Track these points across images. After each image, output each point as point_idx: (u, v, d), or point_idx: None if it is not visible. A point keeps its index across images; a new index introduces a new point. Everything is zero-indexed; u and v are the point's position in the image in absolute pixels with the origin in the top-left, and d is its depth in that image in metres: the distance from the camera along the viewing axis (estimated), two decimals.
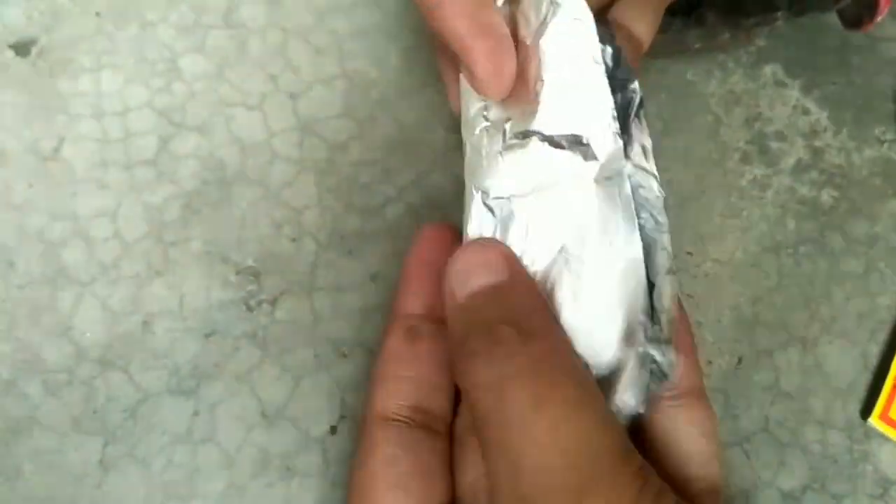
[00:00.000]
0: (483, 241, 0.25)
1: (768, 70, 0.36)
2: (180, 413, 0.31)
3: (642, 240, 0.24)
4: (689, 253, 0.34)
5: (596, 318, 0.23)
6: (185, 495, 0.31)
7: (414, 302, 0.27)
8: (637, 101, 0.25)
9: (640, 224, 0.24)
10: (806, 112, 0.36)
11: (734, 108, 0.36)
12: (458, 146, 0.33)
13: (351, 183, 0.33)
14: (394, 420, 0.26)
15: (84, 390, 0.31)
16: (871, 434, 0.33)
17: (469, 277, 0.24)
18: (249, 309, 0.32)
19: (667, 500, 0.21)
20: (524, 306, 0.23)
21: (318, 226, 0.33)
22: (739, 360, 0.34)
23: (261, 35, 0.34)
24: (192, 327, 0.32)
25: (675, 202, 0.35)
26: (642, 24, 0.28)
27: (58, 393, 0.31)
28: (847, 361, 0.34)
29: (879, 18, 0.32)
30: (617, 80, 0.24)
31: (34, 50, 0.33)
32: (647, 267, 0.24)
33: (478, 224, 0.24)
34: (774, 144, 0.35)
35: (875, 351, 0.34)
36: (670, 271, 0.24)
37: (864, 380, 0.34)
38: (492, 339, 0.22)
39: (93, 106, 0.33)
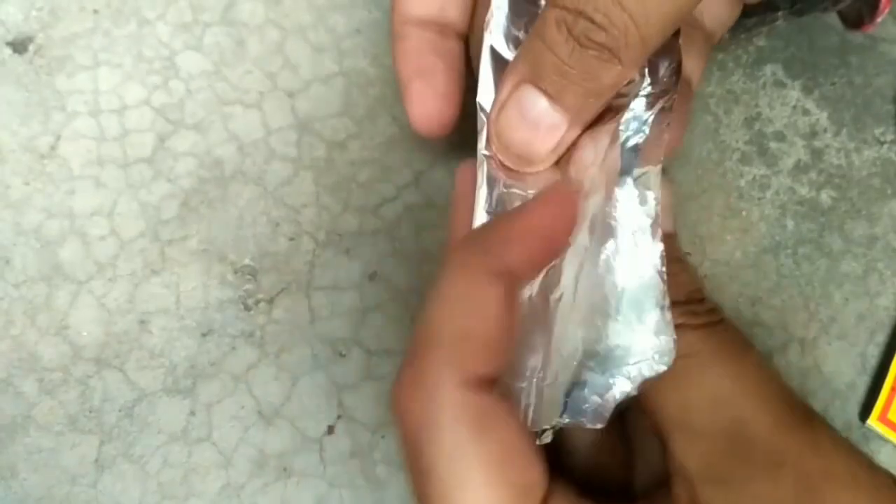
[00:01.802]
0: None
1: (768, 70, 0.36)
2: (176, 412, 0.31)
3: None
4: (688, 253, 0.34)
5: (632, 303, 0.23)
6: (181, 495, 0.31)
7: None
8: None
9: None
10: (805, 112, 0.36)
11: (734, 108, 0.35)
12: (457, 145, 0.33)
13: (349, 182, 0.33)
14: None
15: (80, 389, 0.31)
16: (869, 436, 0.33)
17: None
18: (247, 308, 0.32)
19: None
20: (691, 269, 0.25)
21: (316, 225, 0.33)
22: None
23: (259, 33, 0.34)
24: (188, 326, 0.32)
25: (675, 202, 0.34)
26: (688, 63, 0.28)
27: (53, 392, 0.31)
28: (846, 363, 0.34)
29: (880, 19, 0.32)
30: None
31: (31, 47, 0.33)
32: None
33: None
34: (774, 145, 0.35)
35: (874, 352, 0.34)
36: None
37: (863, 381, 0.34)
38: (689, 295, 0.24)
39: (90, 103, 0.33)
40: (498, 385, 0.22)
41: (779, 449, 0.21)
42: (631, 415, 0.28)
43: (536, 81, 0.23)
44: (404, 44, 0.28)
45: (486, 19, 0.26)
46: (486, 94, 0.25)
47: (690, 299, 0.24)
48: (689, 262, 0.34)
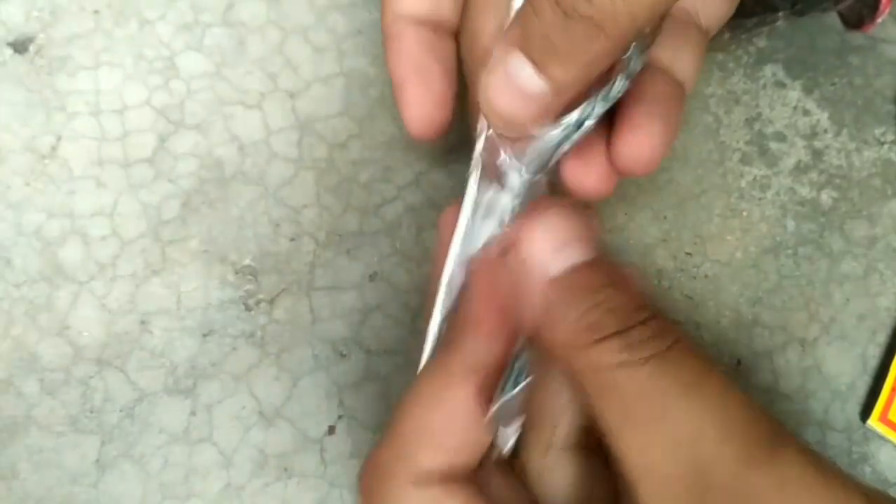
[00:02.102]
0: (563, 204, 0.24)
1: (768, 70, 0.36)
2: (177, 413, 0.31)
3: None
4: (689, 254, 0.34)
5: None
6: (182, 495, 0.31)
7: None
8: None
9: None
10: (806, 113, 0.36)
11: (734, 108, 0.35)
12: (457, 145, 0.33)
13: (350, 182, 0.33)
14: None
15: (81, 389, 0.31)
16: (870, 436, 0.33)
17: (557, 253, 0.23)
18: (247, 308, 0.32)
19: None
20: (633, 284, 0.23)
21: (317, 225, 0.33)
22: (739, 362, 0.34)
23: (260, 33, 0.34)
24: (189, 326, 0.32)
25: (675, 203, 0.35)
26: (682, 63, 0.28)
27: (54, 392, 0.31)
28: (846, 363, 0.34)
29: (880, 19, 0.32)
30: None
31: (32, 47, 0.33)
32: None
33: None
34: (774, 145, 0.35)
35: (875, 352, 0.34)
36: None
37: (864, 381, 0.34)
38: (628, 321, 0.21)
39: (91, 104, 0.33)
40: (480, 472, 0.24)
41: (743, 492, 0.20)
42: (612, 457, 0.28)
43: (525, 48, 0.23)
44: (397, 43, 0.28)
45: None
46: None
47: (628, 326, 0.22)
48: (688, 262, 0.34)
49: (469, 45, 0.28)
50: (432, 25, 0.28)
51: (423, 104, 0.27)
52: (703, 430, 0.20)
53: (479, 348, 0.24)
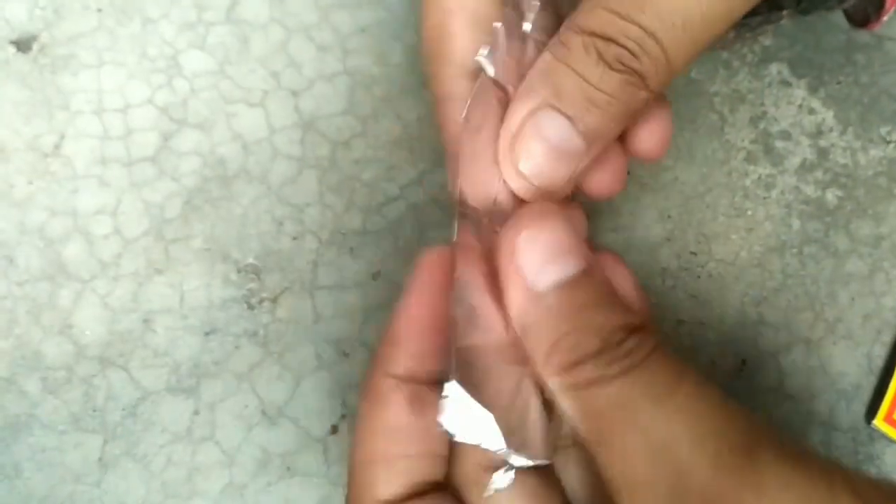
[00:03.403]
0: (547, 209, 0.23)
1: (774, 69, 0.36)
2: (180, 412, 0.31)
3: None
4: (693, 253, 0.34)
5: None
6: (184, 494, 0.31)
7: (407, 360, 0.24)
8: None
9: None
10: (811, 111, 0.35)
11: (739, 107, 0.35)
12: None
13: (353, 181, 0.33)
14: None
15: (84, 388, 0.31)
16: (875, 436, 0.33)
17: (547, 267, 0.22)
18: (250, 307, 0.32)
19: (795, 457, 0.20)
20: (616, 299, 0.22)
21: (320, 224, 0.33)
22: (744, 362, 0.34)
23: (263, 32, 0.34)
24: (192, 325, 0.32)
25: (680, 201, 0.34)
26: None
27: (57, 391, 0.31)
28: (852, 363, 0.34)
29: (886, 17, 0.32)
30: None
31: (35, 46, 0.33)
32: None
33: None
34: (779, 144, 0.35)
35: (880, 352, 0.34)
36: None
37: (869, 382, 0.34)
38: (604, 342, 0.21)
39: (94, 102, 0.33)
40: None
41: (720, 497, 0.20)
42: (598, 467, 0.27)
43: (558, 105, 0.22)
44: (462, 104, 0.25)
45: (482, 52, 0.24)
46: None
47: (606, 346, 0.21)
48: (693, 262, 0.34)
49: (437, 72, 0.26)
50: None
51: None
52: (675, 436, 0.20)
53: (401, 360, 0.23)
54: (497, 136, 0.24)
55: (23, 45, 0.33)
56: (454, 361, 0.23)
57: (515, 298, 0.22)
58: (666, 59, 0.22)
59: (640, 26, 0.21)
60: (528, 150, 0.23)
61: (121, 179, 0.32)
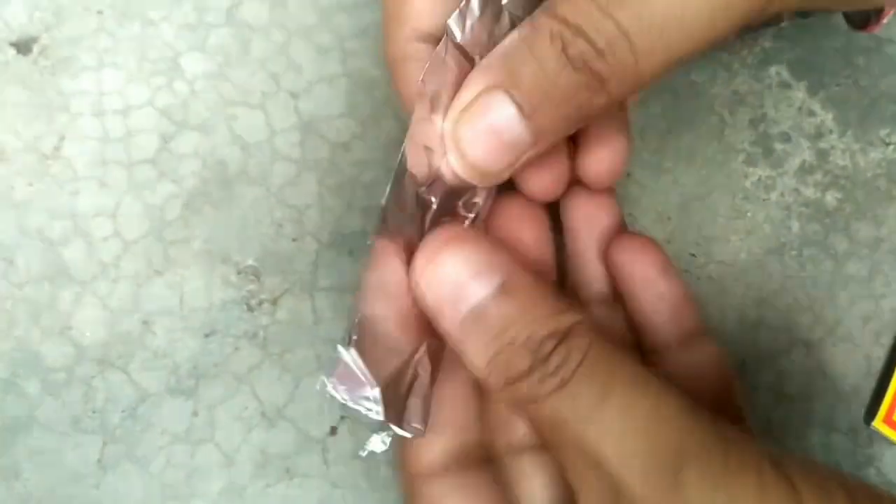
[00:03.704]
0: (451, 234, 0.23)
1: (773, 71, 0.36)
2: (180, 413, 0.31)
3: None
4: (693, 255, 0.34)
5: None
6: (183, 496, 0.31)
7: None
8: None
9: None
10: (811, 113, 0.35)
11: (739, 109, 0.35)
12: None
13: (353, 183, 0.33)
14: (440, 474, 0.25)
15: (83, 390, 0.31)
16: (874, 438, 0.33)
17: (463, 292, 0.22)
18: (250, 309, 0.32)
19: (754, 455, 0.20)
20: (543, 304, 0.22)
21: (320, 225, 0.33)
22: (743, 363, 0.34)
23: (263, 34, 0.34)
24: (192, 327, 0.32)
25: (679, 203, 0.34)
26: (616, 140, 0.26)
27: (57, 392, 0.31)
28: (851, 365, 0.34)
29: (886, 20, 0.32)
30: None
31: (36, 48, 0.33)
32: None
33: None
34: (779, 146, 0.35)
35: (879, 354, 0.34)
36: None
37: (869, 383, 0.34)
38: (534, 357, 0.21)
39: (94, 104, 0.33)
40: None
41: None
42: None
43: (511, 89, 0.21)
44: (417, 68, 0.24)
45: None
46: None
47: (536, 362, 0.21)
48: (693, 263, 0.34)
49: (392, 34, 0.26)
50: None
51: None
52: (605, 455, 0.20)
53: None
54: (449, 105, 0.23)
55: (23, 47, 0.33)
56: (355, 328, 0.23)
57: (444, 323, 0.22)
58: (634, 66, 0.20)
59: (617, 23, 0.20)
60: (472, 129, 0.22)
61: (121, 181, 0.32)
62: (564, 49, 0.20)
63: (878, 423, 0.33)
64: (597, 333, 0.22)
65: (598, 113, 0.22)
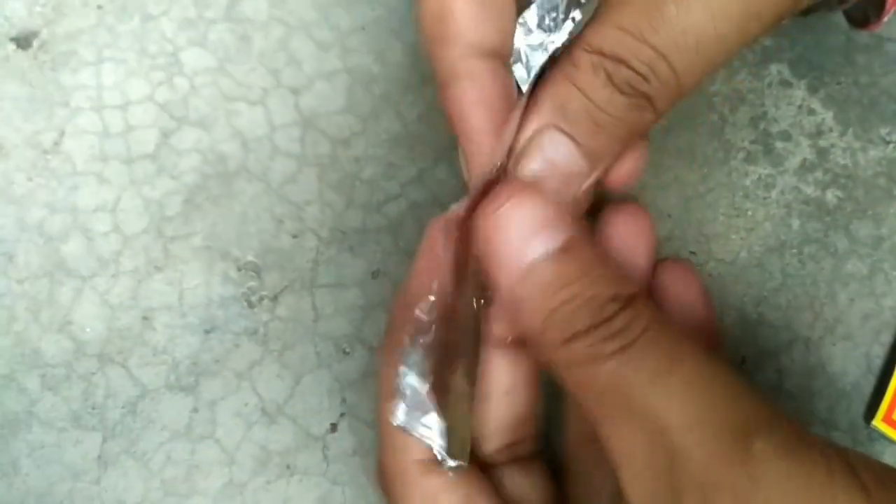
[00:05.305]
0: (523, 186, 0.23)
1: (774, 69, 0.36)
2: (180, 409, 0.31)
3: None
4: (693, 252, 0.34)
5: None
6: (183, 492, 0.31)
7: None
8: None
9: None
10: (811, 112, 0.35)
11: (739, 107, 0.35)
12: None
13: (353, 179, 0.33)
14: None
15: (83, 385, 0.31)
16: (874, 436, 0.33)
17: (527, 244, 0.22)
18: (250, 305, 0.32)
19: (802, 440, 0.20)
20: (605, 269, 0.22)
21: (320, 222, 0.33)
22: (743, 361, 0.34)
23: (263, 30, 0.34)
24: (191, 323, 0.32)
25: (679, 201, 0.34)
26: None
27: (56, 388, 0.31)
28: (851, 363, 0.34)
29: (886, 18, 0.32)
30: None
31: (35, 43, 0.33)
32: None
33: None
34: (779, 144, 0.35)
35: (879, 352, 0.34)
36: None
37: (868, 382, 0.34)
38: (596, 316, 0.21)
39: (93, 99, 0.33)
40: None
41: (713, 485, 0.19)
42: (570, 476, 0.28)
43: (562, 125, 0.22)
44: (472, 86, 0.24)
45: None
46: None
47: (596, 322, 0.21)
48: (693, 261, 0.34)
49: (441, 55, 0.25)
50: (503, 59, 0.24)
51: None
52: (669, 422, 0.20)
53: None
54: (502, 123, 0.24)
55: (23, 41, 0.33)
56: (418, 355, 0.23)
57: (502, 274, 0.22)
58: (676, 82, 0.21)
59: (653, 48, 0.21)
60: (532, 169, 0.23)
61: (120, 176, 0.32)
62: (609, 78, 0.21)
63: (877, 422, 0.33)
64: (656, 309, 0.22)
65: (646, 129, 0.23)
